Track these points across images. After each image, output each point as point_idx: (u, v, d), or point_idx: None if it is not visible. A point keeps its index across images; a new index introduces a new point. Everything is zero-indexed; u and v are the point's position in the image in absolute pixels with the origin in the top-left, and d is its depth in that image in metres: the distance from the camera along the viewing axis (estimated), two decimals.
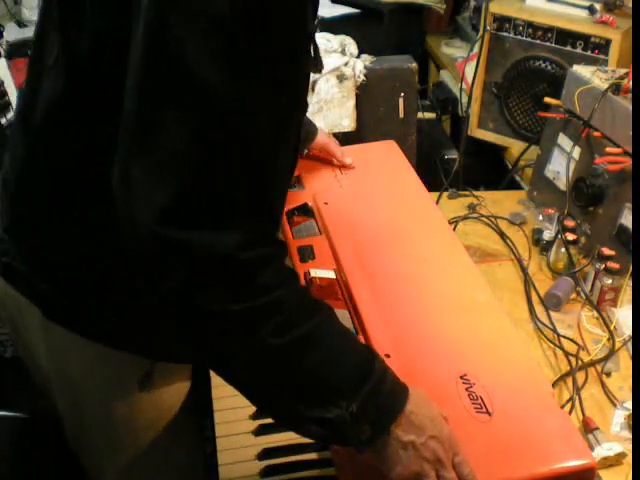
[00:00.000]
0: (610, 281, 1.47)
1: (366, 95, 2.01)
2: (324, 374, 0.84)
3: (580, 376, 1.31)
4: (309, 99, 1.98)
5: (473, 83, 2.13)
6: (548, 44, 1.97)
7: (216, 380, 1.22)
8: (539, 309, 1.48)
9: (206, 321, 0.80)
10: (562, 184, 1.74)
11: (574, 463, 0.92)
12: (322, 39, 2.07)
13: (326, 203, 1.41)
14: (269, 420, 1.08)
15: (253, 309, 0.80)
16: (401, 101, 2.02)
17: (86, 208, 0.95)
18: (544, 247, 1.66)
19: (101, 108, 0.85)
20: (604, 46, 1.86)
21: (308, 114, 1.98)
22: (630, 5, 1.92)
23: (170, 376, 1.11)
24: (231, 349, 0.82)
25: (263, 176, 0.83)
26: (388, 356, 1.04)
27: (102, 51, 0.83)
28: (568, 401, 1.25)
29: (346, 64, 1.98)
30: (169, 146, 0.76)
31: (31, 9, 2.74)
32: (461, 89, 2.23)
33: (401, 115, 2.04)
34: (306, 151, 1.56)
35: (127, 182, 0.78)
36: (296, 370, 0.83)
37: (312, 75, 1.94)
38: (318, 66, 1.05)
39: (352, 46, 2.07)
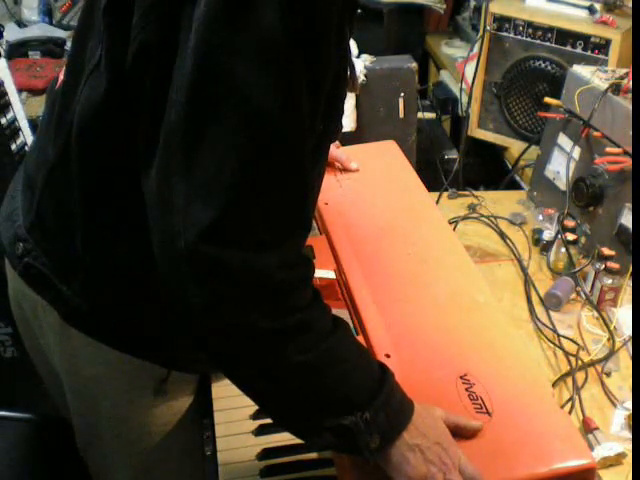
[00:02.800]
0: (610, 281, 1.47)
1: (366, 95, 2.01)
2: (342, 387, 0.86)
3: (580, 376, 1.31)
4: None
5: (473, 83, 2.13)
6: (548, 44, 1.97)
7: (216, 380, 1.22)
8: (539, 309, 1.48)
9: (234, 338, 0.81)
10: (562, 184, 1.74)
11: (574, 463, 0.92)
12: None
13: (326, 203, 1.41)
14: (269, 420, 1.08)
15: (283, 328, 0.81)
16: (401, 101, 2.02)
17: (116, 215, 0.95)
18: (544, 247, 1.66)
19: (140, 116, 0.84)
20: (604, 46, 1.86)
21: None
22: (630, 5, 1.92)
23: (182, 383, 1.12)
24: (256, 365, 0.83)
25: (301, 197, 0.83)
26: (388, 356, 1.04)
27: (146, 61, 0.82)
28: (568, 401, 1.25)
29: None
30: (215, 165, 0.76)
31: (31, 9, 2.74)
32: (461, 89, 2.23)
33: (401, 115, 2.04)
34: None
35: (168, 197, 0.77)
36: (317, 384, 0.85)
37: None
38: (354, 85, 1.05)
39: (352, 46, 2.07)
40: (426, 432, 0.89)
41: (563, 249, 1.57)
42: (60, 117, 0.98)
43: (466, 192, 1.93)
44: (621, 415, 1.23)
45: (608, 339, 1.39)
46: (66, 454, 1.19)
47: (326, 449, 0.98)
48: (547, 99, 1.82)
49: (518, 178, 2.08)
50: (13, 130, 1.79)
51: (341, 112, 1.01)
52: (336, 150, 1.56)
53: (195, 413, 1.17)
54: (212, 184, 0.76)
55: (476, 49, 2.13)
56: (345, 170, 1.54)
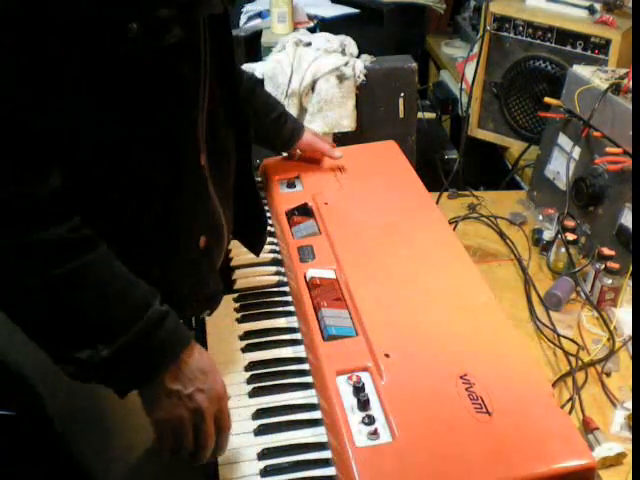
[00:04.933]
0: (610, 281, 1.47)
1: (366, 95, 2.01)
2: (82, 313, 0.84)
3: (580, 376, 1.31)
4: (309, 99, 1.98)
5: (473, 83, 2.13)
6: (548, 44, 1.97)
7: None
8: (539, 309, 1.48)
9: None
10: (562, 184, 1.74)
11: (574, 463, 0.92)
12: (322, 39, 2.07)
13: (326, 203, 1.41)
14: (269, 420, 1.08)
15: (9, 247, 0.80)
16: (401, 101, 2.02)
17: None
18: (544, 247, 1.66)
19: None
20: (604, 46, 1.87)
21: (308, 114, 1.99)
22: (630, 5, 1.92)
23: None
24: None
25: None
26: (388, 356, 1.05)
27: None
28: (568, 401, 1.25)
29: (346, 64, 1.98)
30: None
31: None
32: (461, 89, 2.23)
33: (401, 115, 2.04)
34: (298, 152, 1.55)
35: None
36: (53, 306, 0.83)
37: (312, 75, 1.95)
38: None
39: (352, 46, 2.07)
40: (192, 375, 0.87)
41: (563, 249, 1.57)
42: None
43: (466, 192, 1.93)
44: (621, 415, 1.23)
45: (608, 339, 1.39)
46: (55, 451, 1.18)
47: (77, 378, 0.92)
48: (547, 99, 1.82)
49: (518, 178, 2.08)
50: None
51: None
52: (318, 142, 1.54)
53: None
54: None
55: (476, 49, 2.13)
56: (343, 170, 1.54)
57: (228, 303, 1.28)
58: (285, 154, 1.59)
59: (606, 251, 1.50)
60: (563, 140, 1.75)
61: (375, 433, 0.95)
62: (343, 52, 2.04)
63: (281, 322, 1.25)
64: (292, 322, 1.24)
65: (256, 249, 1.33)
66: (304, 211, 1.40)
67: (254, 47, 2.26)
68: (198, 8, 0.93)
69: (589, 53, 1.89)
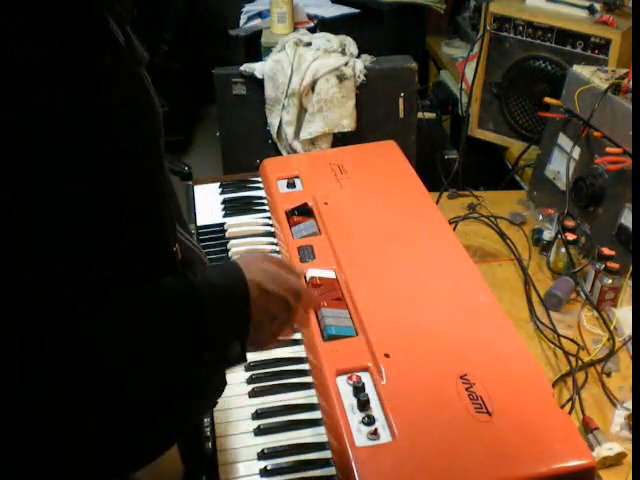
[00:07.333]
0: (610, 281, 1.46)
1: (366, 95, 2.01)
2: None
3: (580, 376, 1.31)
4: (309, 99, 1.98)
5: (473, 83, 2.13)
6: (548, 44, 1.97)
7: None
8: (539, 309, 1.48)
9: None
10: (562, 184, 1.74)
11: (574, 463, 0.92)
12: (322, 39, 2.07)
13: (326, 203, 1.41)
14: (269, 420, 1.08)
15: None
16: (401, 101, 2.02)
17: None
18: (544, 247, 1.66)
19: None
20: (604, 46, 1.87)
21: (308, 114, 1.99)
22: (630, 5, 1.92)
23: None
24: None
25: None
26: (388, 356, 1.05)
27: None
28: (568, 401, 1.25)
29: (346, 64, 1.98)
30: None
31: None
32: (461, 89, 2.23)
33: (401, 115, 2.04)
34: None
35: None
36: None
37: (312, 75, 1.95)
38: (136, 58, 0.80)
39: (352, 46, 2.07)
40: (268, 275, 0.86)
41: (563, 249, 1.57)
42: None
43: (466, 192, 1.93)
44: (621, 415, 1.23)
45: (608, 339, 1.39)
46: None
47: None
48: (547, 99, 1.82)
49: (518, 178, 2.08)
50: None
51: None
52: None
53: None
54: None
55: (476, 49, 2.13)
56: (343, 170, 1.54)
57: None
58: None
59: (606, 251, 1.50)
60: (563, 140, 1.75)
61: (375, 433, 0.95)
62: (343, 52, 2.04)
63: None
64: None
65: None
66: (304, 211, 1.41)
67: (254, 47, 2.26)
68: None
69: (589, 53, 1.90)
